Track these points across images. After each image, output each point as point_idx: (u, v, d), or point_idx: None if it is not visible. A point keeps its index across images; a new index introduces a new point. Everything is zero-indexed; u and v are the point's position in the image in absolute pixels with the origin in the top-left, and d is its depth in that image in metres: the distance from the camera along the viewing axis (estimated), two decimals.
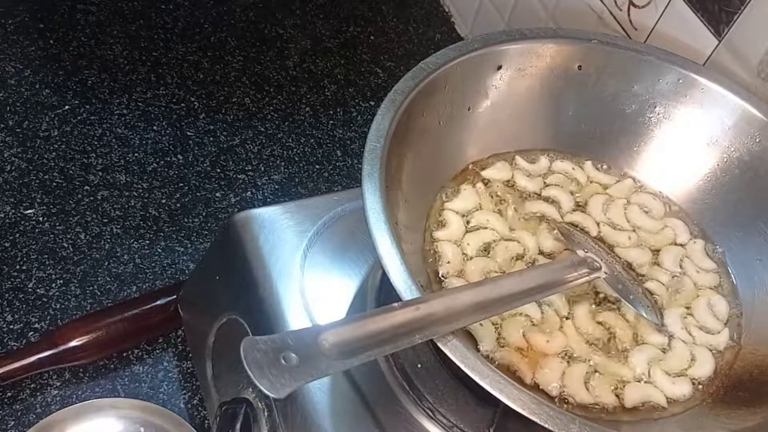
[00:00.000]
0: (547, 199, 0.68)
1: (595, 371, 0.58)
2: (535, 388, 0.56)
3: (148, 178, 0.95)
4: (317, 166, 1.01)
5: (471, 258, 0.62)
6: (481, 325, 0.57)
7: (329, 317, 0.64)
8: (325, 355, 0.43)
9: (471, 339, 0.57)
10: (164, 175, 0.96)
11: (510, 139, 0.70)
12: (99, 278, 0.86)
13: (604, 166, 0.72)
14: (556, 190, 0.69)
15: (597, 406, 0.57)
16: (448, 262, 0.61)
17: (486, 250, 0.63)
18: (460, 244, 0.63)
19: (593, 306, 0.61)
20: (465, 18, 1.21)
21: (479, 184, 0.67)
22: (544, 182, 0.69)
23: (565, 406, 0.56)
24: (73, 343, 0.76)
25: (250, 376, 0.40)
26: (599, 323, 0.60)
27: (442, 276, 0.61)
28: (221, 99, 1.05)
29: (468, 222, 0.64)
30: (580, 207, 0.68)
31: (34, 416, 0.75)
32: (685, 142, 0.70)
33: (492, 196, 0.67)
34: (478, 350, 0.57)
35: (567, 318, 0.60)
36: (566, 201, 0.68)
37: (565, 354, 0.58)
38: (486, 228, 0.64)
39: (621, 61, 0.69)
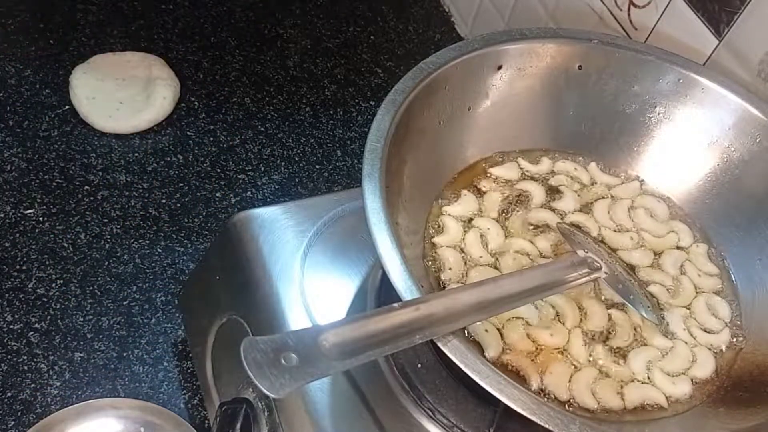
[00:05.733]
0: (550, 201, 0.68)
1: (603, 374, 0.58)
2: (544, 392, 0.56)
3: (148, 178, 0.95)
4: (317, 166, 1.01)
5: (474, 265, 0.62)
6: (486, 331, 0.57)
7: (329, 317, 0.64)
8: (325, 355, 0.43)
9: (477, 346, 0.57)
10: (164, 175, 0.96)
11: (510, 139, 0.70)
12: (99, 278, 0.86)
13: (610, 169, 0.72)
14: (562, 189, 0.69)
15: (603, 410, 0.57)
16: (450, 269, 0.61)
17: (491, 257, 0.63)
18: (460, 250, 0.63)
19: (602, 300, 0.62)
20: (465, 18, 1.21)
21: (483, 184, 0.67)
22: (548, 185, 0.69)
23: (573, 409, 0.56)
24: None
25: (250, 376, 0.40)
26: (609, 315, 0.61)
27: (445, 283, 0.61)
28: (221, 99, 1.05)
29: (467, 228, 0.64)
30: (584, 208, 0.68)
31: (34, 416, 0.75)
32: (685, 142, 0.70)
33: (497, 199, 0.67)
34: (485, 356, 0.57)
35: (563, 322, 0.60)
36: (570, 202, 0.68)
37: (569, 354, 0.58)
38: (486, 235, 0.64)
39: (621, 61, 0.69)
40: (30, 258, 0.85)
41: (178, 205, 0.93)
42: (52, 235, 0.88)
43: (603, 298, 0.62)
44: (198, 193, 0.95)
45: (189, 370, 0.81)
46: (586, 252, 0.61)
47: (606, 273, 0.60)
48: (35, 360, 0.79)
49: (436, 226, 0.64)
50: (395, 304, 0.47)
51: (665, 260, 0.66)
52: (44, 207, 0.90)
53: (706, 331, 0.62)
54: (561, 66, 0.69)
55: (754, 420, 0.54)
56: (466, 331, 0.57)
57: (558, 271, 0.58)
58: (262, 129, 1.03)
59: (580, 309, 0.61)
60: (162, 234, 0.90)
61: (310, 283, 0.66)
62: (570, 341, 0.59)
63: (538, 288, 0.55)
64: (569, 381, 0.57)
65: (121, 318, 0.83)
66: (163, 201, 0.93)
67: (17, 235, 0.87)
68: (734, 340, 0.62)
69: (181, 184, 0.95)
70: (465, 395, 0.59)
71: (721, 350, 0.62)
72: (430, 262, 0.62)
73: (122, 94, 1.00)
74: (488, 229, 0.64)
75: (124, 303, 0.84)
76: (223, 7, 1.16)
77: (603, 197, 0.69)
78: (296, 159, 1.01)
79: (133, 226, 0.90)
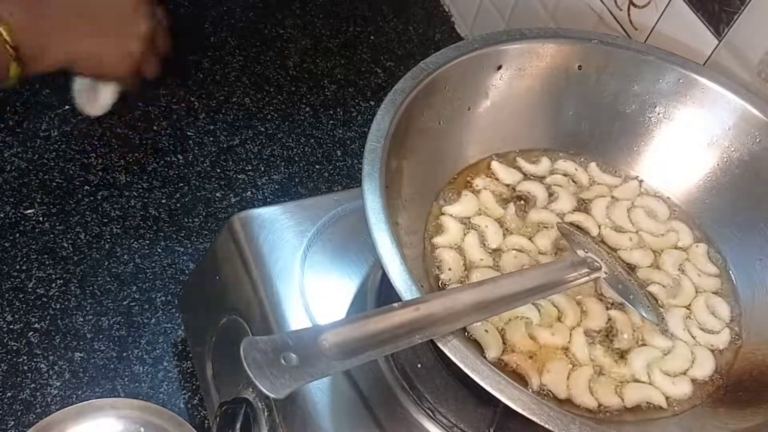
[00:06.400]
0: (549, 202, 0.68)
1: (601, 373, 0.58)
2: (544, 392, 0.56)
3: (148, 178, 0.95)
4: (317, 166, 1.01)
5: (475, 267, 0.62)
6: (486, 332, 0.57)
7: (329, 317, 0.64)
8: (325, 355, 0.43)
9: (478, 347, 0.57)
10: (164, 175, 0.96)
11: (510, 139, 0.70)
12: (99, 278, 0.85)
13: (610, 168, 0.72)
14: (559, 190, 0.69)
15: (602, 410, 0.57)
16: (450, 269, 0.61)
17: (491, 258, 0.63)
18: (460, 250, 0.63)
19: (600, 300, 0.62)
20: (465, 18, 1.21)
21: (482, 183, 0.67)
22: (547, 185, 0.69)
23: (572, 408, 0.56)
24: None
25: (250, 376, 0.40)
26: (608, 315, 0.61)
27: (445, 284, 0.60)
28: (221, 99, 1.05)
29: (467, 229, 0.64)
30: (583, 207, 0.68)
31: (34, 416, 0.75)
32: (685, 142, 0.70)
33: (496, 198, 0.67)
34: (485, 357, 0.57)
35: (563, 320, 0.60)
36: (567, 202, 0.68)
37: (569, 353, 0.58)
38: (485, 233, 0.64)
39: (621, 61, 0.69)
40: (30, 258, 0.85)
41: (178, 205, 0.93)
42: (52, 235, 0.88)
43: (602, 297, 0.62)
44: (198, 193, 0.95)
45: (189, 370, 0.81)
46: (586, 252, 0.61)
47: (606, 273, 0.60)
48: (35, 360, 0.79)
49: (435, 226, 0.64)
50: (395, 304, 0.47)
51: (665, 260, 0.66)
52: (44, 207, 0.90)
53: (706, 331, 0.62)
54: (561, 66, 0.69)
55: (754, 420, 0.54)
56: (465, 332, 0.57)
57: (558, 271, 0.58)
58: (262, 129, 1.03)
59: (580, 308, 0.61)
60: (162, 234, 0.90)
61: (310, 283, 0.66)
62: (572, 340, 0.59)
63: (538, 288, 0.55)
64: (567, 380, 0.57)
65: (121, 318, 0.83)
66: (163, 201, 0.93)
67: (17, 235, 0.87)
68: (734, 340, 0.62)
69: (181, 184, 0.95)
70: (465, 395, 0.59)
71: (721, 350, 0.62)
72: (430, 263, 0.62)
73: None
74: (487, 227, 0.64)
75: (124, 303, 0.84)
76: (223, 7, 1.16)
77: (602, 197, 0.69)
78: (296, 159, 1.01)
79: (133, 226, 0.90)
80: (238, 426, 0.63)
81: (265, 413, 0.63)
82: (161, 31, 0.82)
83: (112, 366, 0.80)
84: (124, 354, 0.81)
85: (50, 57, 0.71)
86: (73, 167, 0.94)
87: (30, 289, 0.83)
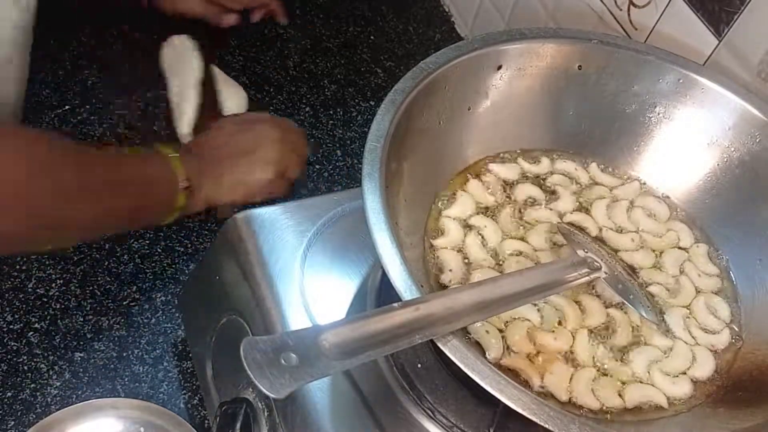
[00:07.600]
0: (549, 202, 0.68)
1: (603, 374, 0.58)
2: (545, 393, 0.57)
3: None
4: (317, 166, 1.01)
5: (477, 267, 0.62)
6: (487, 332, 0.57)
7: (329, 317, 0.64)
8: (325, 355, 0.43)
9: (478, 347, 0.57)
10: None
11: (510, 139, 0.70)
12: (99, 278, 0.85)
13: (610, 169, 0.72)
14: (559, 190, 0.69)
15: (603, 410, 0.57)
16: (450, 270, 0.61)
17: (492, 258, 0.63)
18: (460, 251, 0.63)
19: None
20: (465, 18, 1.21)
21: (480, 181, 0.67)
22: (547, 184, 0.69)
23: (573, 410, 0.56)
24: None
25: (250, 376, 0.40)
26: (606, 312, 0.61)
27: (445, 285, 0.60)
28: None
29: (468, 230, 0.64)
30: (583, 208, 0.68)
31: (34, 416, 0.75)
32: (685, 142, 0.70)
33: (494, 197, 0.67)
34: (486, 358, 0.57)
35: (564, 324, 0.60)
36: (567, 202, 0.68)
37: (570, 355, 0.58)
38: (483, 233, 0.64)
39: (621, 61, 0.69)
40: (30, 258, 0.85)
41: None
42: None
43: (600, 295, 0.62)
44: None
45: (189, 370, 0.81)
46: (586, 252, 0.61)
47: (606, 273, 0.60)
48: (35, 360, 0.79)
49: (435, 228, 0.64)
50: (395, 304, 0.47)
51: (665, 260, 0.66)
52: None
53: (706, 331, 0.62)
54: (561, 66, 0.69)
55: (754, 420, 0.54)
56: (466, 333, 0.57)
57: (558, 271, 0.58)
58: None
59: (579, 306, 0.61)
60: (162, 234, 0.90)
61: (310, 283, 0.66)
62: (575, 341, 0.59)
63: (538, 288, 0.55)
64: (569, 381, 0.57)
65: (121, 318, 0.83)
66: None
67: None
68: (734, 340, 0.62)
69: None
70: (465, 395, 0.59)
71: (721, 350, 0.62)
72: (430, 264, 0.62)
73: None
74: (485, 227, 0.64)
75: (124, 303, 0.84)
76: None
77: (602, 197, 0.69)
78: None
79: None
80: (238, 426, 0.63)
81: (265, 413, 0.63)
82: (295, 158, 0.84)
83: (112, 366, 0.80)
84: (124, 354, 0.81)
85: (202, 195, 0.75)
86: None
87: (30, 289, 0.83)
